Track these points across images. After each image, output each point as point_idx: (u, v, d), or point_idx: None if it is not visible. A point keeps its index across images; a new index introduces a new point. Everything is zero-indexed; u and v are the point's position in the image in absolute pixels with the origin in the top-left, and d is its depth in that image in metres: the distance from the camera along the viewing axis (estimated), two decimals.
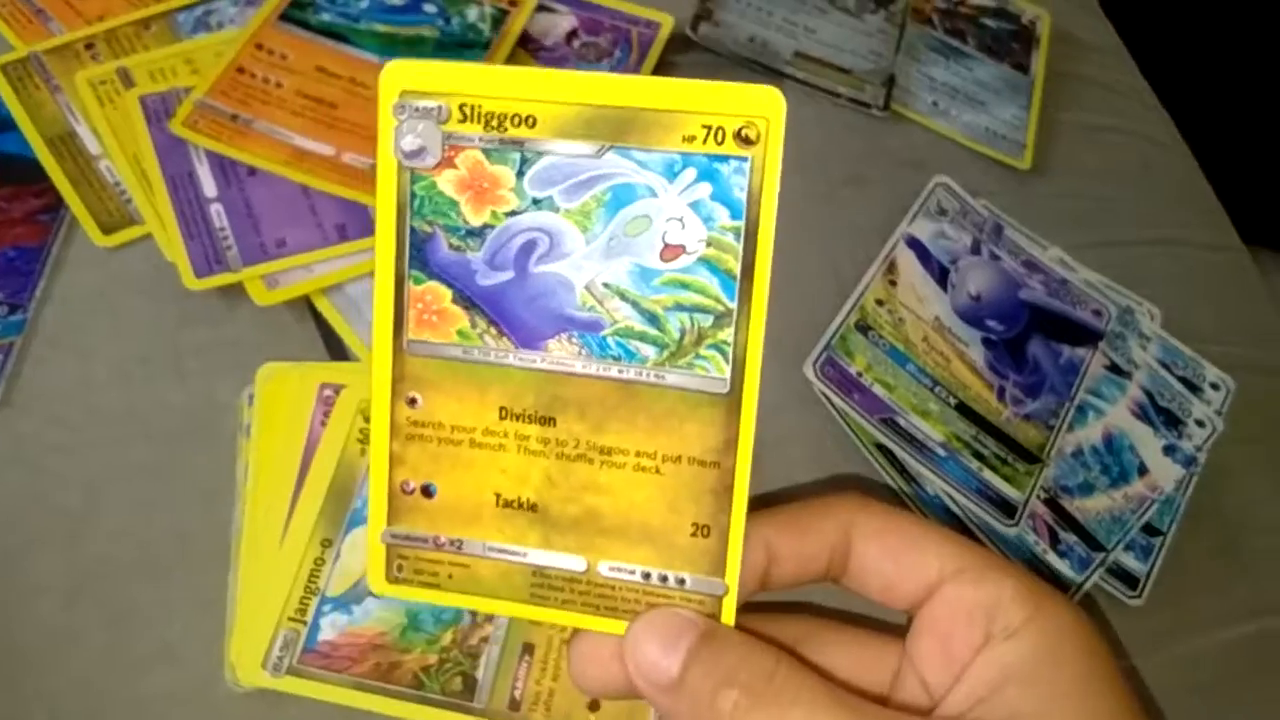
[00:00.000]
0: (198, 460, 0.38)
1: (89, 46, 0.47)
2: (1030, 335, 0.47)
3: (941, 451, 0.43)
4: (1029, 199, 0.54)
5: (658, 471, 0.23)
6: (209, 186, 0.43)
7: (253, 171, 0.44)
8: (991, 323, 0.47)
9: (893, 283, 0.47)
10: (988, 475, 0.43)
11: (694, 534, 0.23)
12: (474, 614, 0.35)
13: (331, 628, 0.35)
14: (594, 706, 0.35)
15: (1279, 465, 0.51)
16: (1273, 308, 0.57)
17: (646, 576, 0.23)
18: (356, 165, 0.44)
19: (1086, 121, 0.59)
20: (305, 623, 0.35)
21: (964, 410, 0.44)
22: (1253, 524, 0.48)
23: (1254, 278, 0.58)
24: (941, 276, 0.47)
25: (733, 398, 0.23)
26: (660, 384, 0.23)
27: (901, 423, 0.43)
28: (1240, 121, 0.99)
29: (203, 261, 0.41)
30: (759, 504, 0.24)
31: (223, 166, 0.44)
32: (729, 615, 0.23)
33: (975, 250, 0.49)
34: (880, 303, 0.46)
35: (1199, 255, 0.57)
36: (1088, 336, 0.48)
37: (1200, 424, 0.47)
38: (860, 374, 0.44)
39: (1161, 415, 0.47)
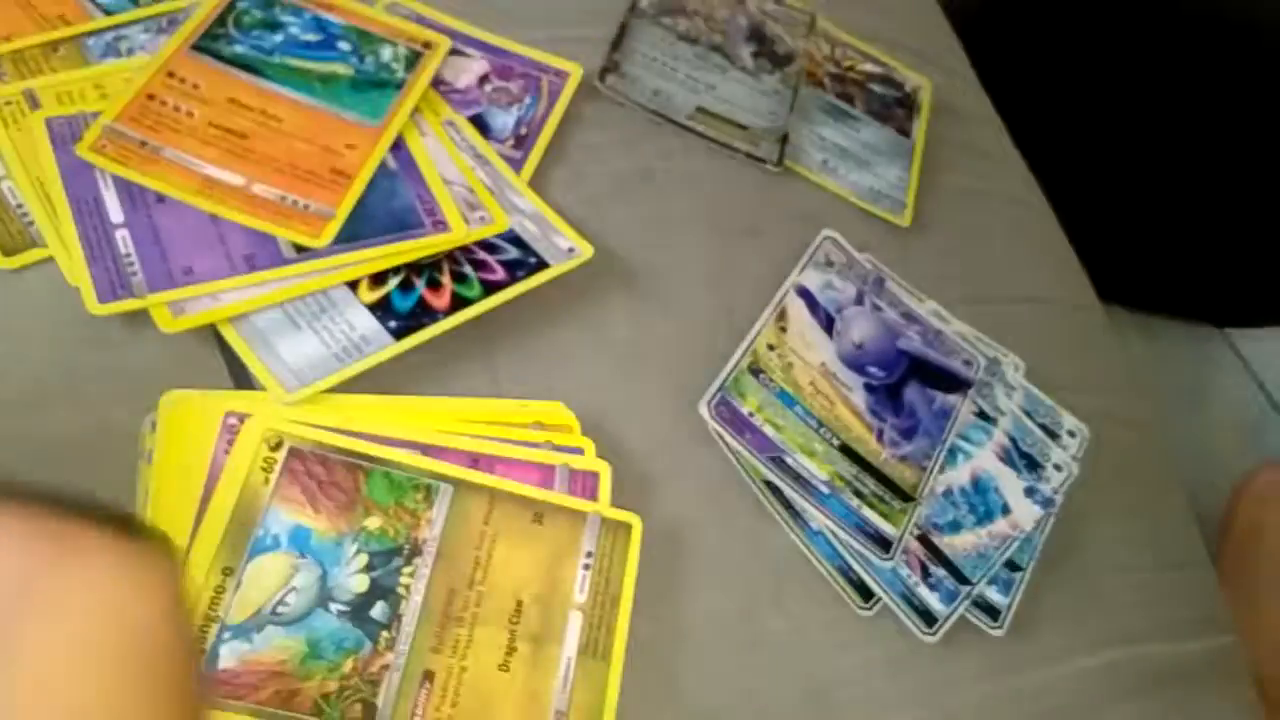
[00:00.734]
0: (95, 487, 0.38)
1: None
2: (907, 382, 0.50)
3: (825, 489, 0.46)
4: (908, 255, 0.57)
5: None
6: (115, 212, 0.43)
7: (161, 198, 0.44)
8: (873, 369, 0.50)
9: (783, 329, 0.49)
10: (866, 512, 0.46)
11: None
12: (374, 643, 0.36)
13: (231, 655, 0.35)
14: None
15: (1128, 509, 0.55)
16: (1124, 361, 0.62)
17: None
18: (266, 196, 0.45)
19: (962, 185, 0.64)
20: (203, 651, 0.35)
21: (846, 451, 0.47)
22: (1104, 562, 0.52)
23: (1108, 333, 0.63)
24: (828, 324, 0.51)
25: None
26: None
27: (789, 461, 0.46)
28: (1106, 187, 1.06)
29: (107, 287, 0.41)
30: None
31: (130, 192, 0.44)
32: None
33: (859, 301, 0.52)
34: (771, 347, 0.49)
35: (1060, 311, 0.61)
36: (959, 385, 0.51)
37: (1058, 468, 0.51)
38: (752, 414, 0.46)
39: (1024, 459, 0.51)
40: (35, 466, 0.38)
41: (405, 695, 0.36)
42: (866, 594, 0.45)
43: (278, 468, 0.38)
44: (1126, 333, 0.63)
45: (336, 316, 0.43)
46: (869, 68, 0.65)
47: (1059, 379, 0.55)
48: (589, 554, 0.40)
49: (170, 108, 0.46)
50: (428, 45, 0.53)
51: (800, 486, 0.45)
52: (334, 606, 0.36)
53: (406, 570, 0.38)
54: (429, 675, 0.36)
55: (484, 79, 0.54)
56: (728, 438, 0.46)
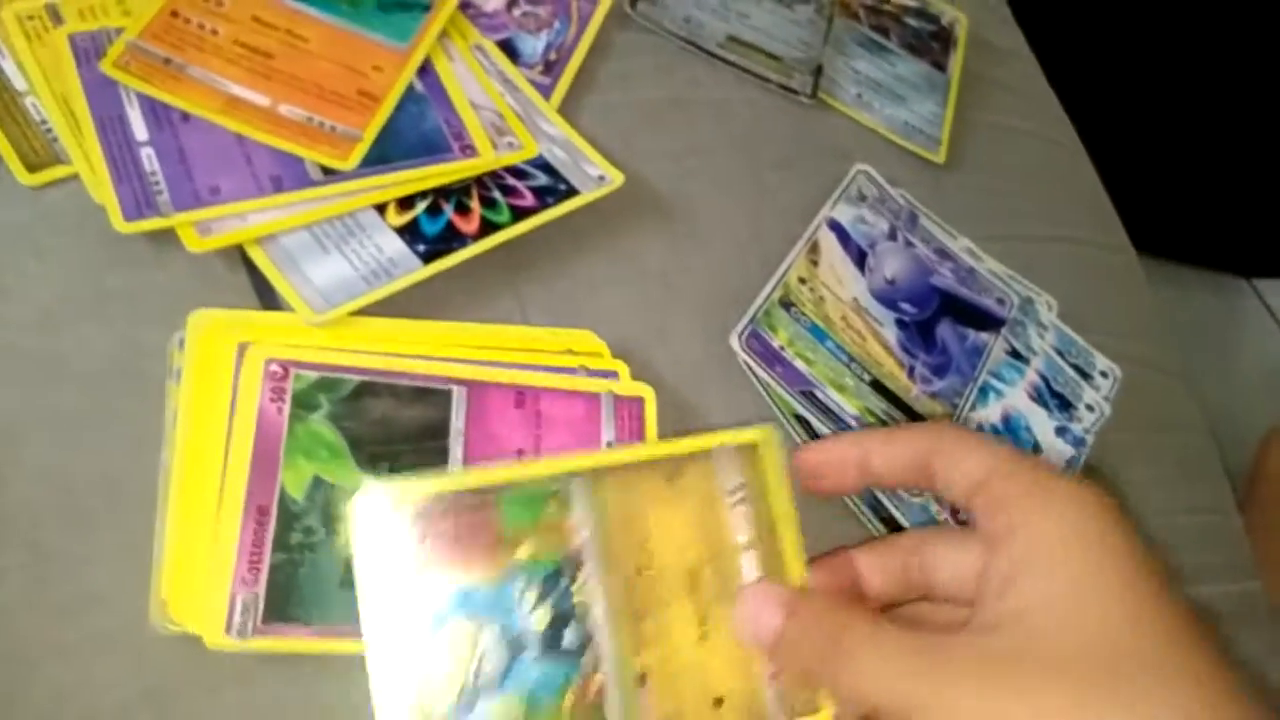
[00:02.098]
0: (124, 404, 0.38)
1: None
2: (940, 319, 0.49)
3: (855, 424, 0.45)
4: (942, 191, 0.56)
5: None
6: (140, 130, 0.42)
7: (186, 117, 0.43)
8: (904, 305, 0.49)
9: (814, 262, 0.49)
10: None
11: None
12: (579, 670, 0.35)
13: None
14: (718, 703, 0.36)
15: (1157, 453, 0.55)
16: (1156, 307, 0.61)
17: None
18: (292, 117, 0.44)
19: (997, 122, 0.62)
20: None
21: (877, 387, 0.46)
22: (1133, 505, 0.52)
23: (1140, 279, 0.62)
24: (860, 259, 0.50)
25: None
26: None
27: (819, 395, 0.45)
28: (1135, 135, 1.05)
29: (132, 205, 0.40)
30: None
31: (155, 110, 0.43)
32: None
33: (892, 236, 0.51)
34: (803, 281, 0.48)
35: (1093, 254, 0.60)
36: (991, 323, 0.51)
37: (1090, 408, 0.51)
38: (783, 348, 0.46)
39: (1055, 399, 0.50)
40: (64, 384, 0.38)
41: (630, 706, 0.35)
42: (896, 529, 0.45)
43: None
44: (1154, 281, 0.62)
45: (364, 239, 0.42)
46: (904, 0, 0.63)
47: (1090, 320, 0.55)
48: (733, 490, 0.38)
49: (195, 25, 0.45)
50: None
51: (830, 421, 0.45)
52: (528, 654, 0.34)
53: (576, 586, 0.35)
54: (642, 678, 0.35)
55: (513, 3, 0.52)
56: (758, 370, 0.45)
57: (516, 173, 0.46)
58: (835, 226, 0.50)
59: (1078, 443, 0.49)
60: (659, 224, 0.49)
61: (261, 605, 0.35)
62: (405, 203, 0.44)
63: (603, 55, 0.53)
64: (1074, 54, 0.84)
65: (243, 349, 0.38)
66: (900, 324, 0.49)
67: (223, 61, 0.44)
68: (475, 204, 0.44)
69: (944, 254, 0.52)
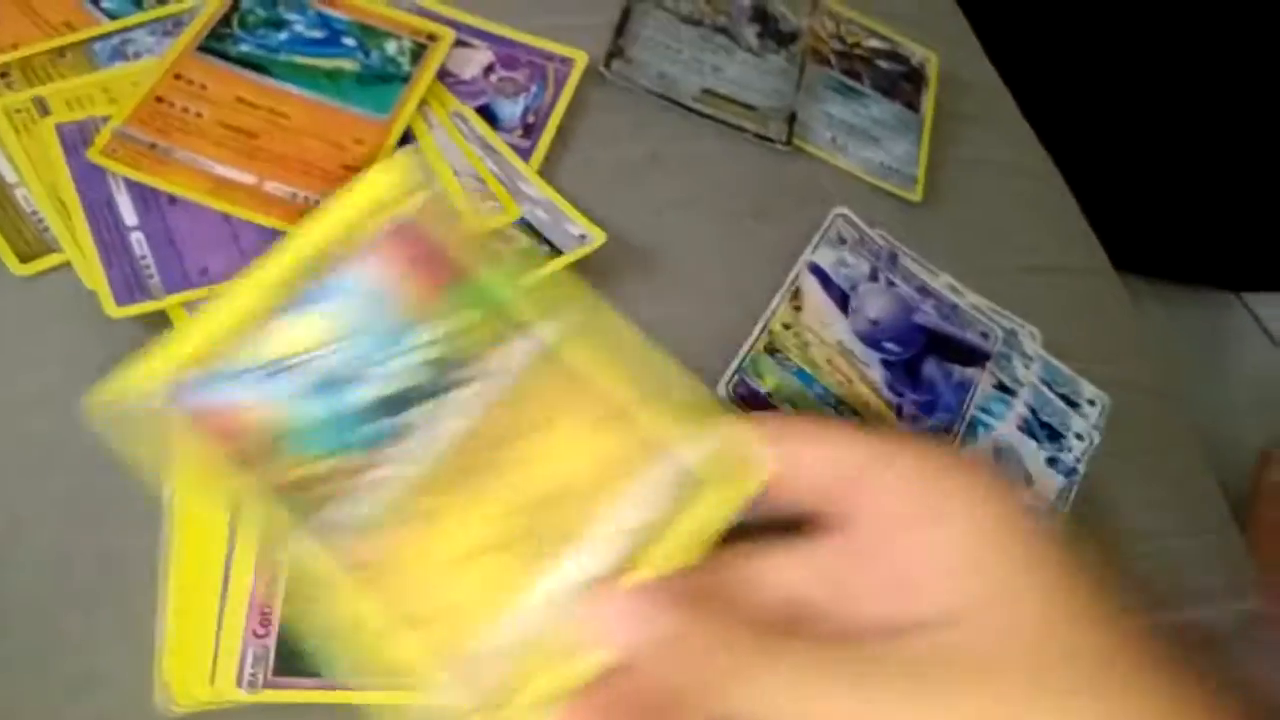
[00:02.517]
0: (122, 485, 0.38)
1: (3, 75, 0.46)
2: (925, 357, 0.50)
3: None
4: (920, 229, 0.57)
5: None
6: (129, 215, 0.43)
7: (173, 200, 0.44)
8: (889, 345, 0.50)
9: (798, 308, 0.49)
10: None
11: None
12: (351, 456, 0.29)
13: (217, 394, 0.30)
14: None
15: (1151, 475, 0.55)
16: (1141, 328, 0.62)
17: None
18: (277, 194, 0.45)
19: (972, 156, 0.63)
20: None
21: None
22: (1128, 530, 0.52)
23: (1124, 300, 0.63)
24: (843, 302, 0.50)
25: None
26: None
27: None
28: (1113, 155, 1.06)
29: (124, 289, 0.41)
30: None
31: (143, 195, 0.44)
32: None
33: (873, 277, 0.52)
34: (787, 326, 0.48)
35: (1074, 280, 0.61)
36: (977, 358, 0.51)
37: (1080, 437, 0.51)
38: (770, 394, 0.46)
39: (1044, 429, 0.51)
40: (62, 467, 0.38)
41: (336, 536, 0.28)
42: None
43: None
44: (1142, 300, 0.63)
45: None
46: (874, 43, 0.65)
47: (1076, 348, 0.55)
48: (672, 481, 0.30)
49: (179, 109, 0.46)
50: (432, 38, 0.53)
51: None
52: (348, 392, 0.30)
53: (451, 394, 0.30)
54: (393, 520, 0.29)
55: (489, 69, 0.54)
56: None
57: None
58: (816, 270, 0.51)
59: (1069, 472, 0.49)
60: (642, 278, 0.50)
61: (272, 658, 0.35)
62: None
63: (580, 115, 0.54)
64: (1046, 81, 0.85)
65: None
66: (886, 364, 0.49)
67: (208, 143, 0.46)
68: None
69: (925, 291, 0.53)
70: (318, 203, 0.45)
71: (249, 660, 0.35)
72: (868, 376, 0.48)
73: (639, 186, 0.53)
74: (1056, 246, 0.62)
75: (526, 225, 0.47)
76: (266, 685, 0.35)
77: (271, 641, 0.36)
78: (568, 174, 0.51)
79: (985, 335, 0.52)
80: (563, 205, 0.49)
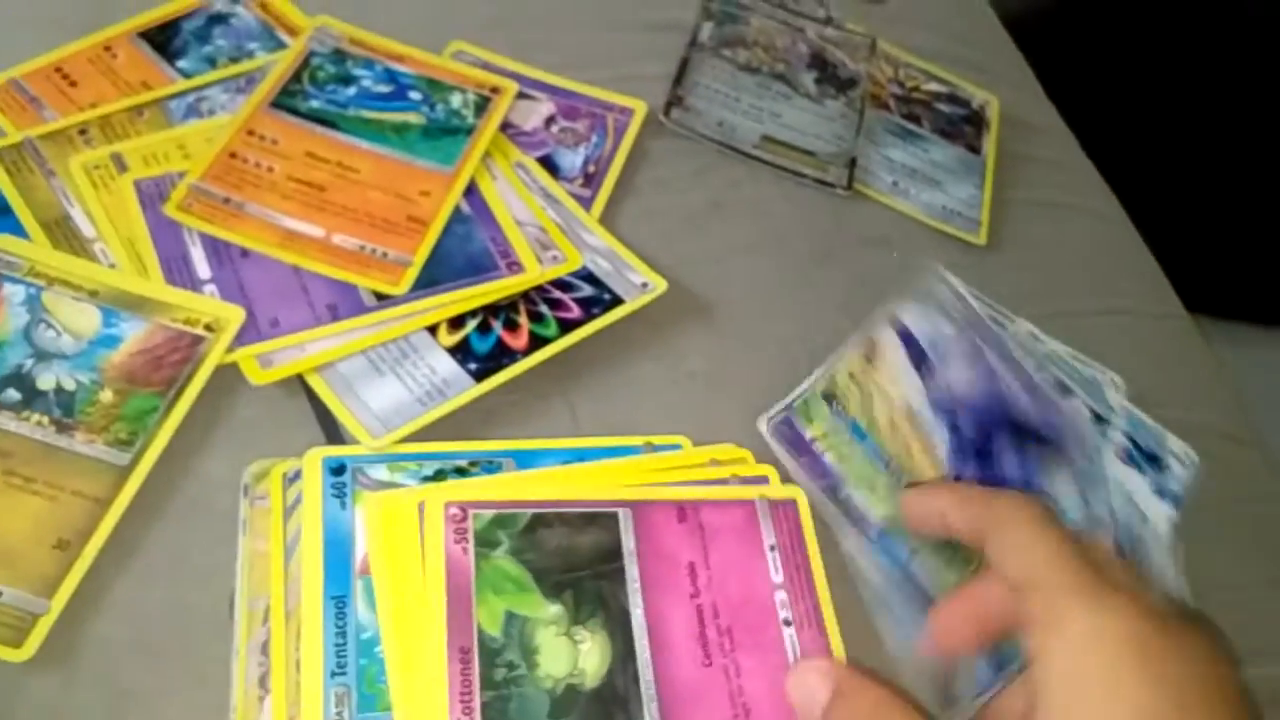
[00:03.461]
0: (194, 537, 0.39)
1: (82, 132, 0.48)
2: (998, 436, 0.47)
3: (873, 532, 0.44)
4: (985, 273, 0.56)
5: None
6: (203, 268, 0.44)
7: (245, 253, 0.45)
8: (960, 418, 0.47)
9: (869, 359, 0.48)
10: (915, 562, 0.43)
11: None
12: None
13: None
14: None
15: (1231, 523, 0.53)
16: (1219, 372, 0.60)
17: None
18: (346, 246, 0.46)
19: (1036, 198, 0.62)
20: None
21: None
22: (1212, 580, 0.50)
23: (1200, 343, 0.61)
24: (921, 364, 0.48)
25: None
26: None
27: (842, 494, 0.44)
28: (1179, 196, 1.04)
29: None
30: None
31: (216, 248, 0.45)
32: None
33: (961, 345, 0.48)
34: (852, 376, 0.48)
35: (1148, 324, 0.60)
36: (1056, 449, 0.47)
37: (1180, 460, 0.48)
38: (814, 440, 0.45)
39: (1146, 457, 0.48)
40: (137, 520, 0.39)
41: None
42: None
43: None
44: (1215, 343, 0.61)
45: (418, 361, 0.43)
46: (934, 87, 0.64)
47: (1152, 392, 0.53)
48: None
49: (251, 164, 0.47)
50: (495, 90, 0.53)
51: (849, 521, 0.44)
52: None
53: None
54: None
55: (550, 120, 0.54)
56: (784, 458, 0.45)
57: (562, 285, 0.47)
58: (900, 327, 0.48)
59: (1177, 501, 0.47)
60: (704, 325, 0.50)
61: None
62: (456, 322, 0.45)
63: (640, 164, 0.54)
64: (1109, 121, 0.84)
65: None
66: (954, 436, 0.47)
67: (278, 197, 0.47)
68: (524, 319, 0.45)
69: (1013, 364, 0.50)
70: (385, 255, 0.45)
71: None
72: (930, 445, 0.46)
73: (700, 234, 0.53)
74: (1127, 289, 0.61)
75: (588, 274, 0.47)
76: None
77: None
78: (629, 222, 0.52)
79: (1072, 427, 0.48)
80: (624, 253, 0.49)
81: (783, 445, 0.45)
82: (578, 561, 0.38)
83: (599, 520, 0.40)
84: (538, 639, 0.36)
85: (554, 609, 0.37)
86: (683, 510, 0.41)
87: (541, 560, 0.38)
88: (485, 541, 0.38)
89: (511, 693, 0.35)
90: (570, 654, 0.36)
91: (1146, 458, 0.48)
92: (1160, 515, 0.46)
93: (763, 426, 0.45)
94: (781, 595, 0.40)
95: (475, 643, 0.36)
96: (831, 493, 0.44)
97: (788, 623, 0.39)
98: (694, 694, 0.37)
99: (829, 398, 0.47)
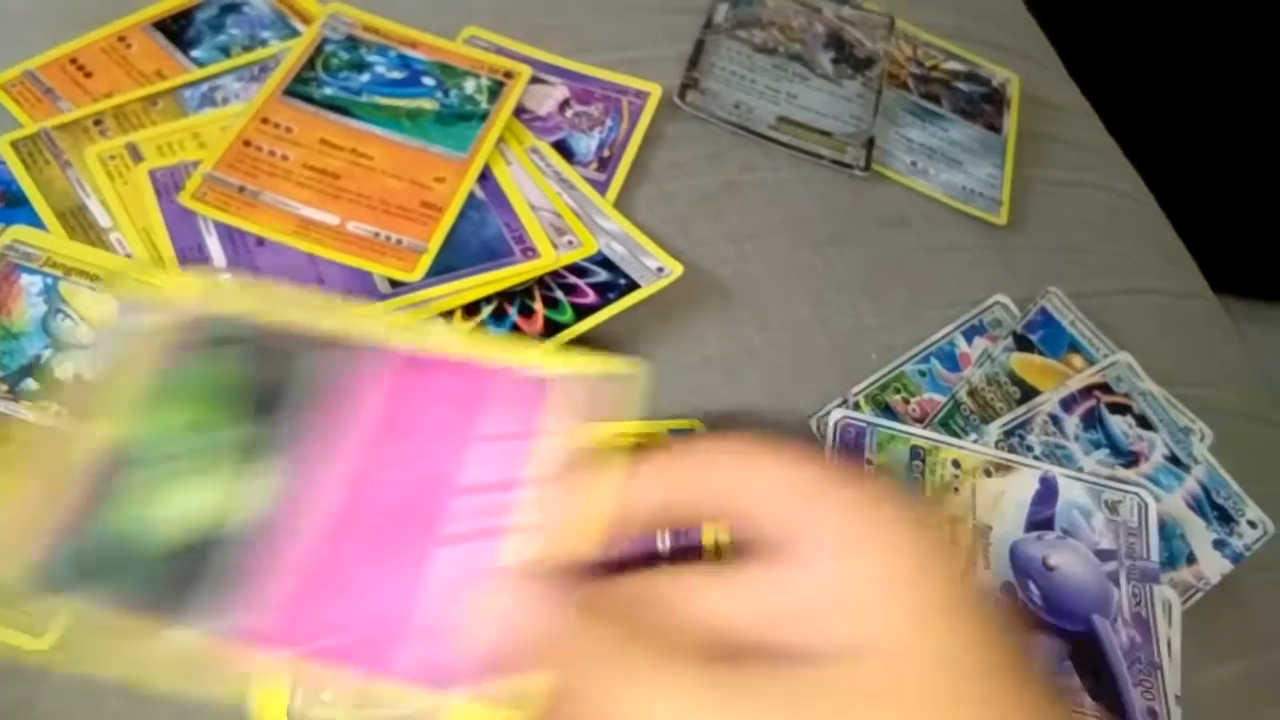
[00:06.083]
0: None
1: (98, 123, 0.48)
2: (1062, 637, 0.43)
3: None
4: (1007, 253, 0.56)
5: None
6: (218, 257, 0.44)
7: (261, 241, 0.45)
8: (1050, 615, 0.43)
9: (989, 474, 0.45)
10: None
11: None
12: None
13: None
14: None
15: (1264, 501, 0.52)
16: (1246, 352, 0.59)
17: None
18: (360, 233, 0.45)
19: (1057, 177, 0.62)
20: None
21: None
22: (1245, 561, 0.49)
23: (1225, 323, 0.60)
24: (1039, 522, 0.45)
25: None
26: None
27: None
28: (1203, 174, 1.02)
29: None
30: None
31: (231, 237, 0.45)
32: None
33: (1097, 564, 0.45)
34: (957, 465, 0.45)
35: (1173, 303, 0.59)
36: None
37: (1253, 525, 0.48)
38: (869, 461, 0.44)
39: (1215, 510, 0.48)
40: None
41: None
42: None
43: None
44: (1241, 322, 0.60)
45: None
46: (953, 65, 0.64)
47: (1175, 372, 0.53)
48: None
49: (265, 153, 0.47)
50: (509, 75, 0.53)
51: None
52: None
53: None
54: None
55: (565, 104, 0.54)
56: (829, 450, 0.44)
57: (577, 270, 0.46)
58: (1044, 482, 0.46)
59: (1236, 558, 0.46)
60: (722, 309, 0.49)
61: None
62: (471, 308, 0.45)
63: (655, 147, 0.54)
64: (1131, 99, 0.83)
65: None
66: (1024, 596, 0.43)
67: (293, 185, 0.46)
68: (539, 305, 0.45)
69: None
70: (399, 241, 0.45)
71: None
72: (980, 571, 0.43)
73: (716, 217, 0.52)
74: (1151, 268, 0.60)
75: (604, 259, 0.47)
76: None
77: None
78: (644, 207, 0.51)
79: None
80: (639, 238, 0.48)
81: (835, 443, 0.44)
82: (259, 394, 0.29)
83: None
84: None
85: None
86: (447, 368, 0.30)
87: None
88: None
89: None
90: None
91: (1216, 512, 0.47)
92: (1214, 566, 0.45)
93: (833, 418, 0.44)
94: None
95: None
96: None
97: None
98: (337, 579, 0.26)
99: (917, 454, 0.45)
